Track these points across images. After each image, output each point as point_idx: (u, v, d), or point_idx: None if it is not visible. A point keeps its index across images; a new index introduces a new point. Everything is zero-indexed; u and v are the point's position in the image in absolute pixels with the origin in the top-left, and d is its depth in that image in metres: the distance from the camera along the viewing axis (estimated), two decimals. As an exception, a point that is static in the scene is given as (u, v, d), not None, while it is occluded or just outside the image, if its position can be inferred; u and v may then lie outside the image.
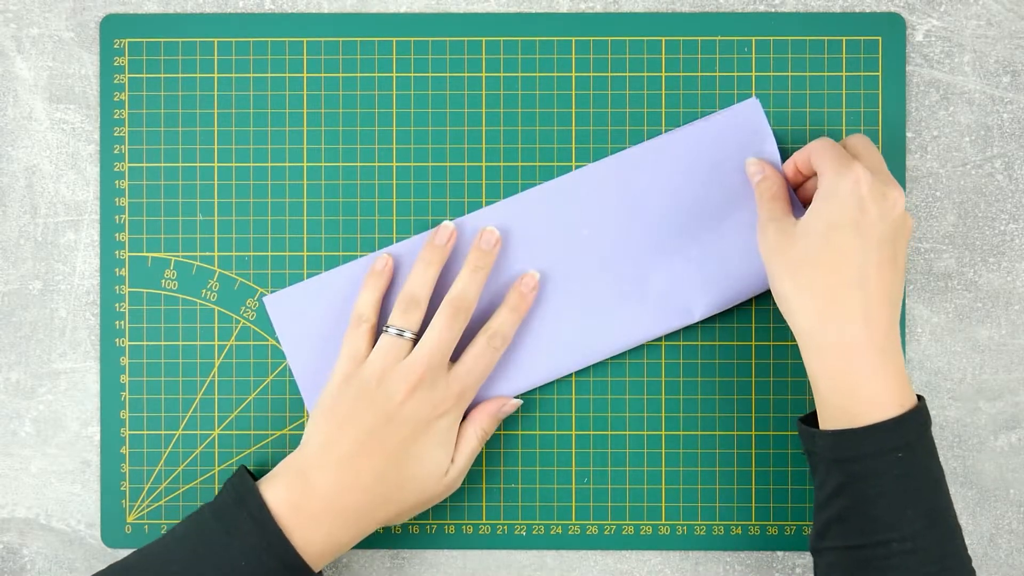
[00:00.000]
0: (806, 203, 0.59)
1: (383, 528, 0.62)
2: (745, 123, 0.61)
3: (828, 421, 0.53)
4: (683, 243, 0.61)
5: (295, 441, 0.62)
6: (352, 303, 0.60)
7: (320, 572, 0.55)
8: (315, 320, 0.61)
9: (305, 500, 0.54)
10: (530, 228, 0.61)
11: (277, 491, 0.54)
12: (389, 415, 0.55)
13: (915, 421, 0.52)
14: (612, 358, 0.62)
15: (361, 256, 0.62)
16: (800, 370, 0.62)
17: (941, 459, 0.62)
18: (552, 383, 0.62)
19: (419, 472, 0.55)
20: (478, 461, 0.62)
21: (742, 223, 0.60)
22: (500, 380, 0.61)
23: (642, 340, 0.61)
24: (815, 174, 0.56)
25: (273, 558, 0.52)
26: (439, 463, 0.56)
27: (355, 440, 0.55)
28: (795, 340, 0.61)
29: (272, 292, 0.62)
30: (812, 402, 0.62)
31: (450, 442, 0.57)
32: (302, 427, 0.62)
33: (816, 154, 0.55)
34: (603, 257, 0.61)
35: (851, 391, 0.52)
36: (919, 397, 0.53)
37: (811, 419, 0.56)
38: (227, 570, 0.52)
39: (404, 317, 0.57)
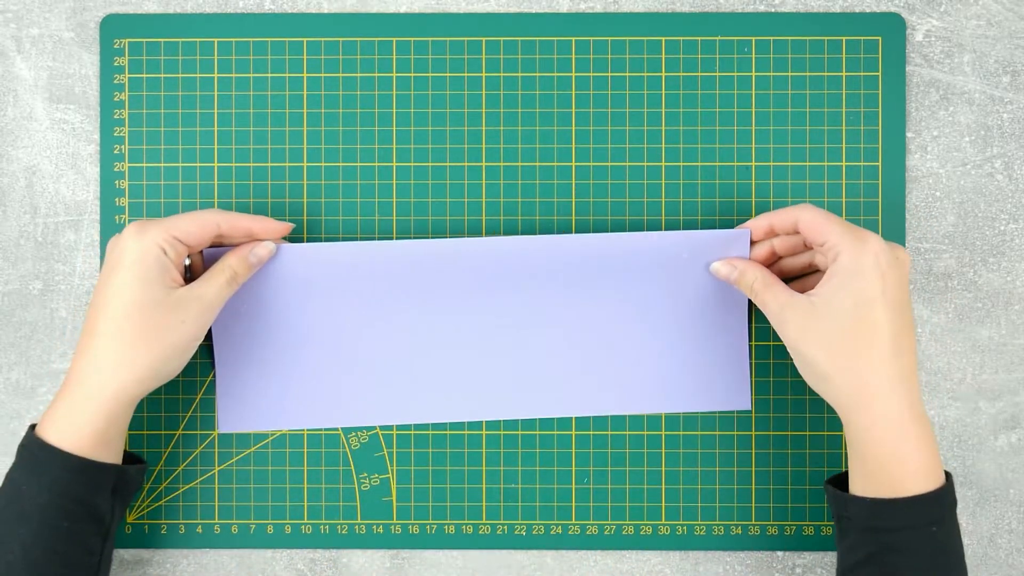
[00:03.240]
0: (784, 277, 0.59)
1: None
2: (729, 248, 0.59)
3: (866, 488, 0.53)
4: (642, 338, 0.61)
5: (295, 441, 0.62)
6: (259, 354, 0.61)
7: (128, 475, 0.55)
8: (259, 394, 0.62)
9: (57, 408, 0.54)
10: (498, 271, 0.60)
11: (43, 422, 0.54)
12: (115, 291, 0.54)
13: (949, 496, 0.53)
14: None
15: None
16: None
17: (941, 459, 0.62)
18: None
19: (129, 297, 0.54)
20: (478, 461, 0.62)
21: (700, 336, 0.61)
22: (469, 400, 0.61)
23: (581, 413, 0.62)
24: (798, 244, 0.57)
25: (53, 471, 0.52)
26: (150, 288, 0.54)
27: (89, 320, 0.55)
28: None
29: (219, 422, 0.62)
30: (812, 403, 0.62)
31: (161, 269, 0.54)
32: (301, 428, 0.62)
33: (819, 227, 0.54)
34: (560, 323, 0.61)
35: (896, 462, 0.52)
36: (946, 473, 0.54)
37: (837, 482, 0.57)
38: (28, 507, 0.52)
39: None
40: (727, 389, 0.61)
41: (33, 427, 0.55)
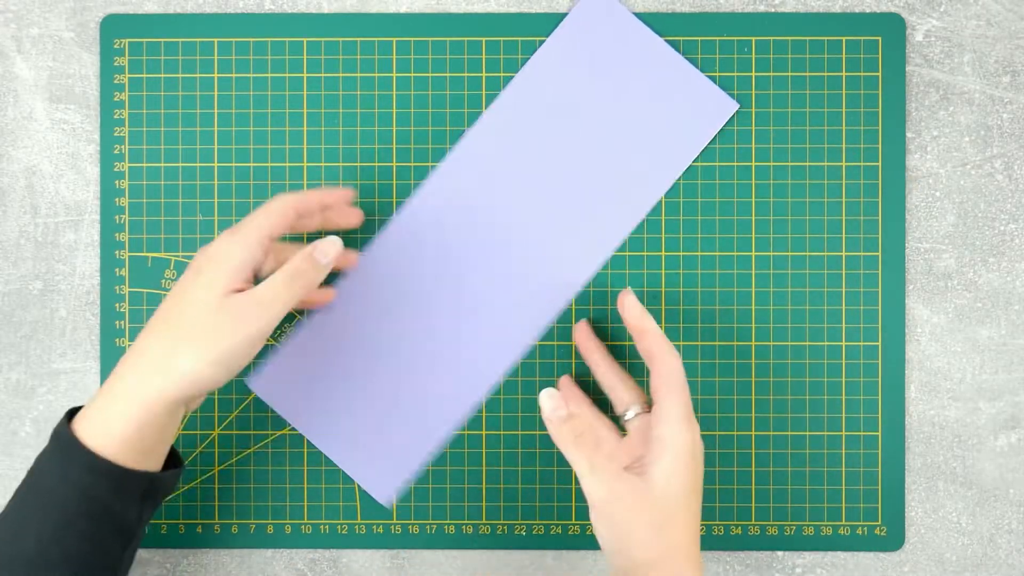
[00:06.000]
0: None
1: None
2: (597, 16, 0.60)
3: None
4: (595, 156, 0.61)
5: (295, 441, 0.62)
6: (328, 352, 0.61)
7: (160, 481, 0.52)
8: (306, 383, 0.61)
9: (94, 404, 0.51)
10: (448, 211, 0.61)
11: (80, 415, 0.51)
12: (179, 291, 0.52)
13: None
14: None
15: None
16: (800, 370, 0.62)
17: (941, 459, 0.62)
18: (550, 384, 0.62)
19: (188, 298, 0.51)
20: (478, 460, 0.62)
21: (639, 112, 0.61)
22: (494, 348, 0.62)
23: (606, 257, 0.62)
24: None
25: (78, 469, 0.50)
26: (209, 290, 0.51)
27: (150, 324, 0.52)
28: (795, 340, 0.61)
29: (252, 374, 0.61)
30: (812, 402, 0.62)
31: (217, 283, 0.51)
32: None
33: (664, 385, 0.53)
34: (530, 202, 0.61)
35: None
36: None
37: None
38: (49, 501, 0.50)
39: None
40: (708, 104, 0.61)
41: (73, 411, 0.52)
